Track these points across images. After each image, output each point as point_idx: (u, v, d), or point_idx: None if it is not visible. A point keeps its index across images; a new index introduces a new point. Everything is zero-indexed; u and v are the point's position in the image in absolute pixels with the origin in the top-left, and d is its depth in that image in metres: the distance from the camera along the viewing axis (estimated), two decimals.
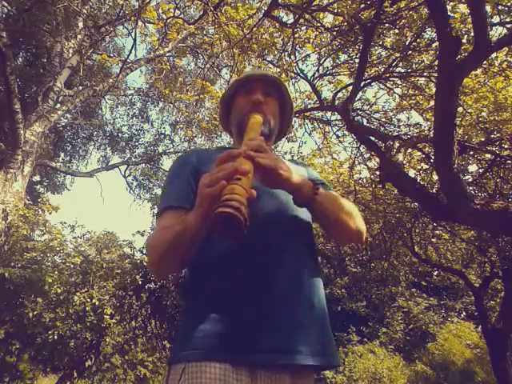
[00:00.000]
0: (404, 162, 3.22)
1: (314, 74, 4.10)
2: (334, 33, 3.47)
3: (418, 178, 4.57)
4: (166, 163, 12.03)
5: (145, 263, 5.05)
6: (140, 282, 5.20)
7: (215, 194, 0.67)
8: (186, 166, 1.02)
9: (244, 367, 0.77)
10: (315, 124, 4.90)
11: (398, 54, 3.47)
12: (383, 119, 4.49)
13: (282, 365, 0.79)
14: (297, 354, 0.79)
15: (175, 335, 1.03)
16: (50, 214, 5.48)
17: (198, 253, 0.87)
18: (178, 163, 1.07)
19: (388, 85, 4.04)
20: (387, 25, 3.27)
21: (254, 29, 3.38)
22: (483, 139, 3.78)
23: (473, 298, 7.21)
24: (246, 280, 0.83)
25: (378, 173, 3.99)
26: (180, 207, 0.92)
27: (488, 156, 3.94)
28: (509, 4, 2.73)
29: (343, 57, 3.98)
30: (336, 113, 4.20)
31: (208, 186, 0.70)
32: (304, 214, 0.96)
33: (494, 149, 3.78)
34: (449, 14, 2.22)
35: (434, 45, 3.29)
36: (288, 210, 0.94)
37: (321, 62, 4.01)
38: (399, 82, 3.97)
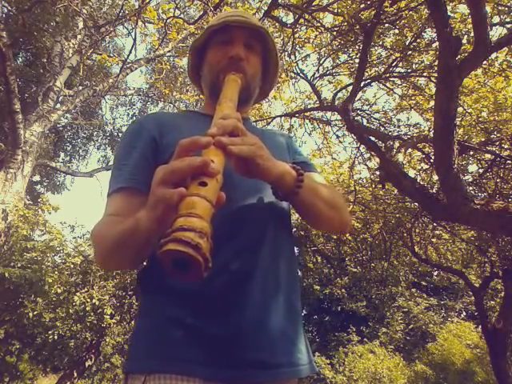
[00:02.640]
0: (404, 162, 3.22)
1: (314, 74, 4.11)
2: (334, 33, 3.47)
3: (418, 178, 4.57)
4: None
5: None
6: None
7: (170, 203, 0.51)
8: (141, 134, 0.82)
9: (218, 383, 0.66)
10: (315, 124, 4.90)
11: (397, 54, 3.47)
12: (383, 119, 4.50)
13: (263, 380, 0.69)
14: (278, 368, 0.70)
15: (132, 337, 0.78)
16: (50, 213, 5.50)
17: None
18: (132, 131, 0.85)
19: (388, 85, 4.05)
20: (387, 25, 3.27)
21: None
22: (483, 139, 3.78)
23: (473, 298, 7.20)
24: (220, 281, 0.70)
25: (378, 173, 3.99)
26: (133, 189, 0.75)
27: (488, 156, 3.95)
28: (509, 4, 2.73)
29: (343, 57, 3.99)
30: (336, 113, 4.20)
31: (163, 183, 0.54)
32: (283, 203, 0.83)
33: (494, 149, 3.78)
34: (449, 14, 2.21)
35: (434, 45, 3.29)
36: (263, 200, 0.80)
37: (321, 61, 4.02)
38: (399, 82, 3.97)
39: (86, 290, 5.04)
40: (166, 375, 0.65)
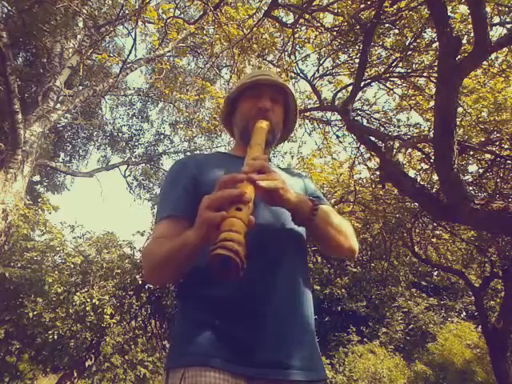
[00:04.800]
0: (404, 162, 3.22)
1: (314, 74, 4.10)
2: (334, 33, 3.47)
3: (418, 178, 4.57)
4: (166, 163, 12.06)
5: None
6: (140, 282, 5.20)
7: (214, 223, 0.67)
8: (184, 172, 1.01)
9: (242, 378, 0.79)
10: (315, 124, 4.90)
11: (398, 54, 3.47)
12: (383, 119, 4.49)
13: (279, 379, 0.81)
14: (293, 369, 0.82)
15: (171, 339, 1.02)
16: (50, 213, 5.49)
17: (198, 258, 0.83)
18: (176, 169, 1.05)
19: (388, 85, 4.04)
20: (387, 25, 3.27)
21: (254, 29, 3.38)
22: (483, 139, 3.78)
23: (473, 297, 7.20)
24: (246, 291, 0.84)
25: (378, 173, 3.99)
26: (178, 216, 0.92)
27: (488, 156, 3.94)
28: (509, 4, 2.73)
29: (343, 57, 3.99)
30: (336, 113, 4.20)
31: (208, 208, 0.70)
32: (299, 228, 0.98)
33: (493, 149, 3.78)
34: (449, 14, 2.21)
35: (434, 45, 3.29)
36: (284, 224, 0.95)
37: (321, 61, 4.02)
38: (399, 82, 3.97)
39: (86, 289, 5.03)
40: (201, 368, 0.78)
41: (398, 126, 4.41)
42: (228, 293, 0.84)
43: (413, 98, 4.03)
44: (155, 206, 6.18)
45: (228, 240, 0.62)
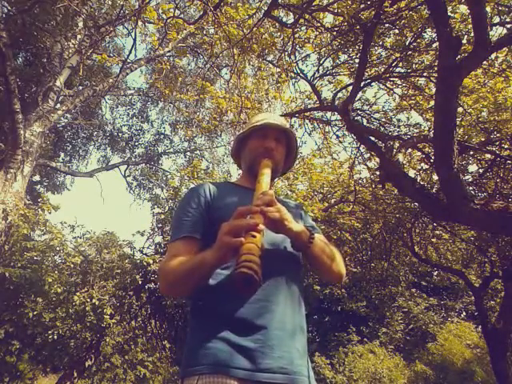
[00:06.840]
0: (404, 162, 3.22)
1: (314, 74, 4.10)
2: (334, 33, 3.47)
3: (418, 178, 4.56)
4: (166, 163, 12.11)
5: (145, 263, 5.04)
6: (140, 282, 5.19)
7: (233, 247, 0.82)
8: (199, 197, 1.14)
9: (249, 383, 0.88)
10: (315, 124, 4.89)
11: (398, 54, 3.46)
12: (383, 119, 4.49)
13: (283, 383, 0.92)
14: (294, 374, 0.94)
15: (185, 350, 1.10)
16: (50, 213, 5.48)
17: (211, 277, 0.99)
18: (192, 194, 1.18)
19: (388, 85, 4.04)
20: (387, 25, 3.27)
21: (254, 29, 3.38)
22: (483, 139, 3.78)
23: (473, 298, 7.20)
24: (253, 307, 0.96)
25: (378, 173, 3.99)
26: (191, 237, 1.06)
27: (488, 156, 3.94)
28: (509, 4, 2.73)
29: (343, 57, 3.98)
30: (336, 113, 4.19)
31: (227, 234, 0.84)
32: (298, 253, 1.13)
33: (494, 149, 3.78)
34: (449, 14, 2.21)
35: (434, 45, 3.29)
36: (286, 249, 1.10)
37: (321, 61, 4.01)
38: (399, 82, 3.97)
39: (85, 289, 5.03)
40: (212, 375, 0.88)
41: (398, 126, 4.40)
42: (237, 308, 0.95)
43: (413, 98, 4.03)
44: (155, 207, 6.17)
45: (249, 261, 0.76)
